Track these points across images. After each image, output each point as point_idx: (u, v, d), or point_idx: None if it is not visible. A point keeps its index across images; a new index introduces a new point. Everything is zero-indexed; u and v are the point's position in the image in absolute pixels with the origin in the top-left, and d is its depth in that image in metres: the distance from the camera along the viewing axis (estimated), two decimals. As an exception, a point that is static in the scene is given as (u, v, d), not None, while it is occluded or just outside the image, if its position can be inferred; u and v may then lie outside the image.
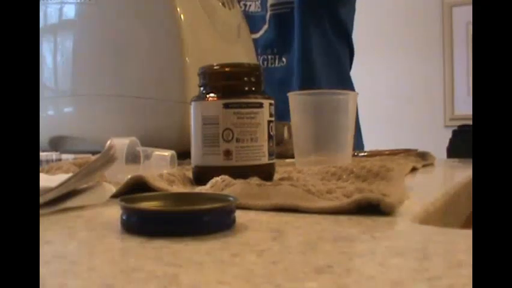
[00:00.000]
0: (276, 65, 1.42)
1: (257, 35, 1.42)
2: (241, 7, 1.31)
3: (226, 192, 0.44)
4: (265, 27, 1.43)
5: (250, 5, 1.45)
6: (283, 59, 1.42)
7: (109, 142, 0.56)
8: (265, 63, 1.42)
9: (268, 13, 1.43)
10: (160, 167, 0.61)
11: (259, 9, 1.45)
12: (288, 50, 1.41)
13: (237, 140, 0.52)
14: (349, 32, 1.47)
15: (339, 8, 1.41)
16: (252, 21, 1.31)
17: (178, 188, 0.49)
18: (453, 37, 3.32)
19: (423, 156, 0.91)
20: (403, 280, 0.22)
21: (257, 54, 1.30)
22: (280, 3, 1.41)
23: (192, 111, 0.55)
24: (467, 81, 3.25)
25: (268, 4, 1.43)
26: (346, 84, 1.43)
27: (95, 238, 0.32)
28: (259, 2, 1.45)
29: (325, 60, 1.40)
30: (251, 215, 0.38)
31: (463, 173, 0.76)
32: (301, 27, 1.37)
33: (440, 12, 3.36)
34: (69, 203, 0.41)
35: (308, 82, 1.35)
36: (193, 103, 0.55)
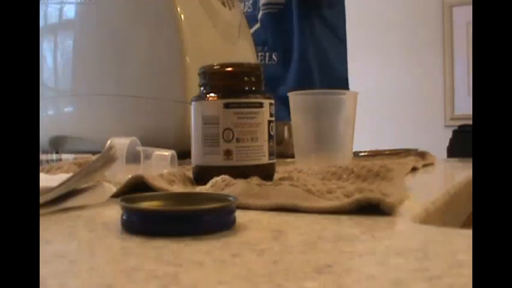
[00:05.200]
0: (267, 62, 1.47)
1: None
2: None
3: (226, 192, 0.44)
4: (257, 26, 1.49)
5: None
6: (274, 57, 1.45)
7: (109, 142, 0.56)
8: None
9: (260, 12, 1.48)
10: (160, 167, 0.61)
11: (250, 9, 1.51)
12: (278, 48, 1.47)
13: (237, 140, 0.52)
14: (340, 29, 1.51)
15: (326, 9, 1.47)
16: None
17: (178, 188, 0.49)
18: (453, 37, 3.32)
19: (423, 156, 0.91)
20: (403, 280, 0.22)
21: None
22: (271, 3, 1.47)
23: (192, 111, 0.55)
24: (467, 81, 3.25)
25: (260, 3, 1.48)
26: (340, 80, 1.48)
27: (95, 238, 0.32)
28: (250, 2, 1.51)
29: (318, 58, 1.45)
30: (251, 215, 0.38)
31: (463, 173, 0.76)
32: (298, 27, 1.41)
33: (440, 12, 3.36)
34: (69, 203, 0.41)
35: (305, 80, 1.39)
36: (193, 103, 0.55)
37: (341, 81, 1.50)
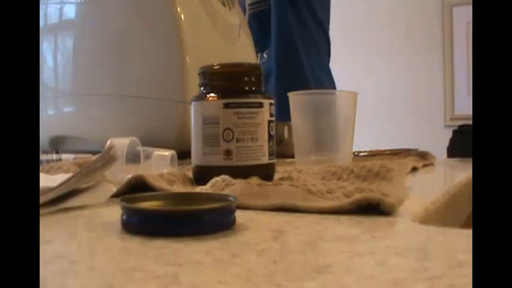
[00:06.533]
0: (258, 61, 1.47)
1: None
2: None
3: (226, 192, 0.44)
4: None
5: None
6: (265, 55, 1.46)
7: (109, 142, 0.56)
8: None
9: (248, 13, 1.48)
10: (160, 167, 0.61)
11: None
12: (268, 45, 1.48)
13: (237, 140, 0.52)
14: (324, 22, 1.52)
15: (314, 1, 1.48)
16: None
17: (178, 188, 0.49)
18: (453, 37, 3.32)
19: (423, 156, 0.91)
20: (403, 280, 0.22)
21: None
22: (258, 2, 1.48)
23: (192, 111, 0.55)
24: (467, 81, 3.25)
25: (247, 4, 1.49)
26: (328, 74, 1.49)
27: (96, 238, 0.32)
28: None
29: (307, 50, 1.46)
30: (251, 215, 0.38)
31: (463, 173, 0.76)
32: (279, 19, 1.43)
33: (440, 12, 3.36)
34: (69, 203, 0.41)
35: (298, 78, 1.40)
36: (193, 103, 0.55)
37: (329, 78, 1.50)
